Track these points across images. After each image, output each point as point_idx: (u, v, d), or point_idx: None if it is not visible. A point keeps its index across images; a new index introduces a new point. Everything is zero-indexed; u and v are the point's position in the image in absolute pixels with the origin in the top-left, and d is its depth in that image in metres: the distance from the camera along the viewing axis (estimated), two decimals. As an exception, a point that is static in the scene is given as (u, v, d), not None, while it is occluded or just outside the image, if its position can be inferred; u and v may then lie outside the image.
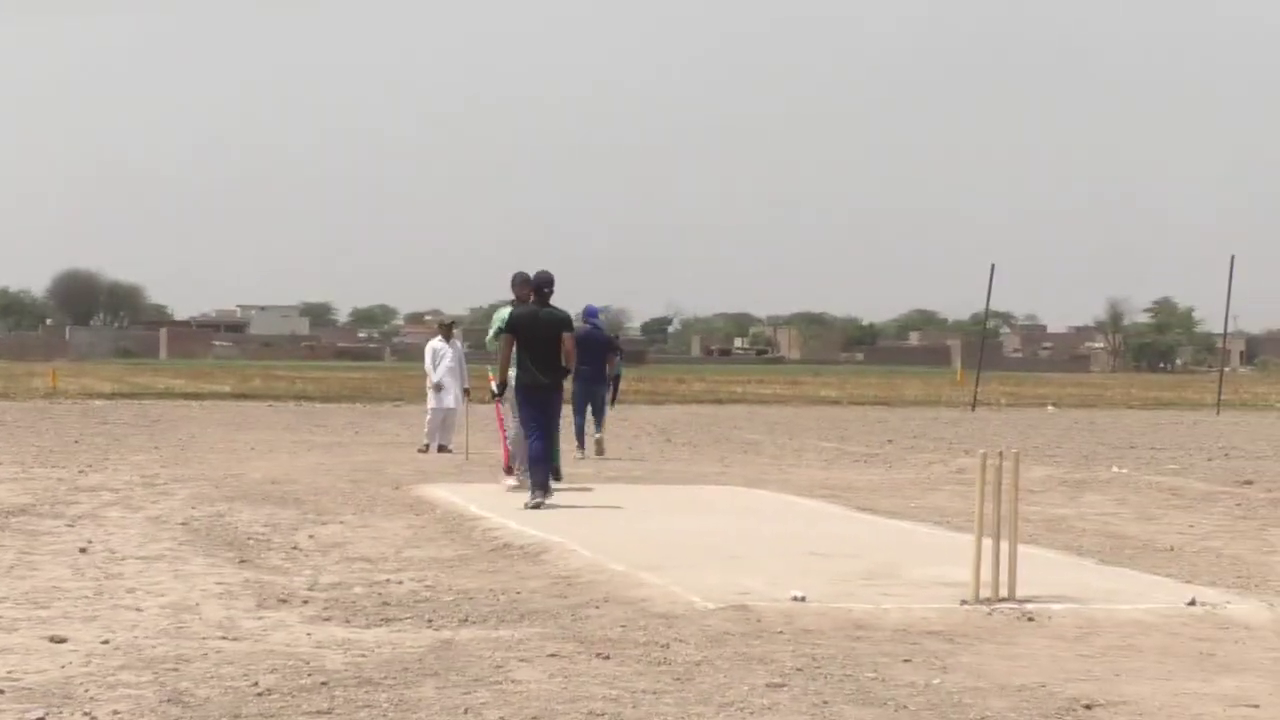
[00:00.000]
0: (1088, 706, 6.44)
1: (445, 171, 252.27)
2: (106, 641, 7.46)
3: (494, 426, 17.35)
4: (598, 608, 8.51)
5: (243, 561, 10.37)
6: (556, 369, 14.00)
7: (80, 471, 17.32)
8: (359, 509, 13.77)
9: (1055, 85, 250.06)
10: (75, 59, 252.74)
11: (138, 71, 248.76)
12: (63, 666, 6.91)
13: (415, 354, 25.32)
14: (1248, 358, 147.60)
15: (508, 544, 11.12)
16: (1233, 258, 41.21)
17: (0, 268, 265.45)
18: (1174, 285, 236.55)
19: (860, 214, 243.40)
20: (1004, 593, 8.65)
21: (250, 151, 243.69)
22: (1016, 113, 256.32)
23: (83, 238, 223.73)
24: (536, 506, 13.28)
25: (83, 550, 10.69)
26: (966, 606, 8.52)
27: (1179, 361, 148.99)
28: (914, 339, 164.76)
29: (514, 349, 14.12)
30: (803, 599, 8.53)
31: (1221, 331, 48.97)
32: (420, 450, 21.48)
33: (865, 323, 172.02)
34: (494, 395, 15.27)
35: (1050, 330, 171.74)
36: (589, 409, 20.64)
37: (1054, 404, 46.35)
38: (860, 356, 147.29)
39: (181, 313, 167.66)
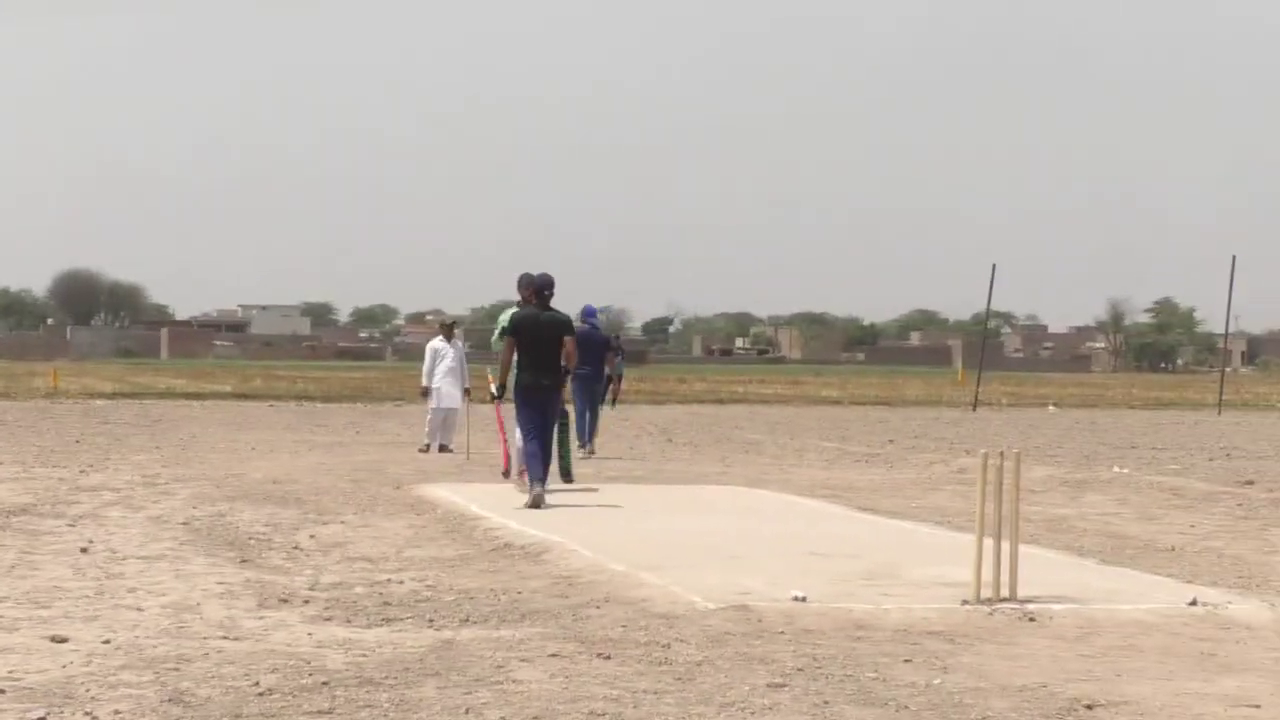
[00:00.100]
0: (1089, 707, 6.44)
1: (445, 171, 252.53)
2: (108, 641, 7.46)
3: (494, 427, 17.35)
4: (599, 608, 8.51)
5: (244, 561, 10.37)
6: (557, 371, 14.05)
7: (81, 471, 17.32)
8: (360, 509, 13.78)
9: (1055, 85, 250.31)
10: (75, 59, 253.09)
11: (138, 71, 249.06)
12: (64, 666, 6.91)
13: (416, 354, 25.34)
14: (1249, 358, 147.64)
15: (509, 544, 11.12)
16: (1234, 258, 41.30)
17: (1, 268, 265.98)
18: (1175, 285, 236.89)
19: (861, 214, 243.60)
20: (1005, 593, 8.65)
21: (250, 151, 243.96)
22: (1016, 113, 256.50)
23: (83, 238, 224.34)
24: (536, 498, 13.32)
25: (84, 550, 10.70)
26: (967, 606, 8.52)
27: (1180, 362, 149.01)
28: (915, 339, 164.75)
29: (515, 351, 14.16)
30: (803, 599, 8.53)
31: (1223, 332, 48.98)
32: (421, 450, 21.48)
33: (866, 323, 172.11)
34: (494, 396, 15.28)
35: (1051, 330, 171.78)
36: (587, 411, 20.72)
37: (1055, 404, 46.34)
38: (861, 356, 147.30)
39: (182, 312, 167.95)
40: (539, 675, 6.82)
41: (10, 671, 6.78)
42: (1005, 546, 8.68)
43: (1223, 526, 13.50)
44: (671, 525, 12.48)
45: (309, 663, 7.02)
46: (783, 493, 15.88)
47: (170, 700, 6.28)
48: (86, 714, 6.07)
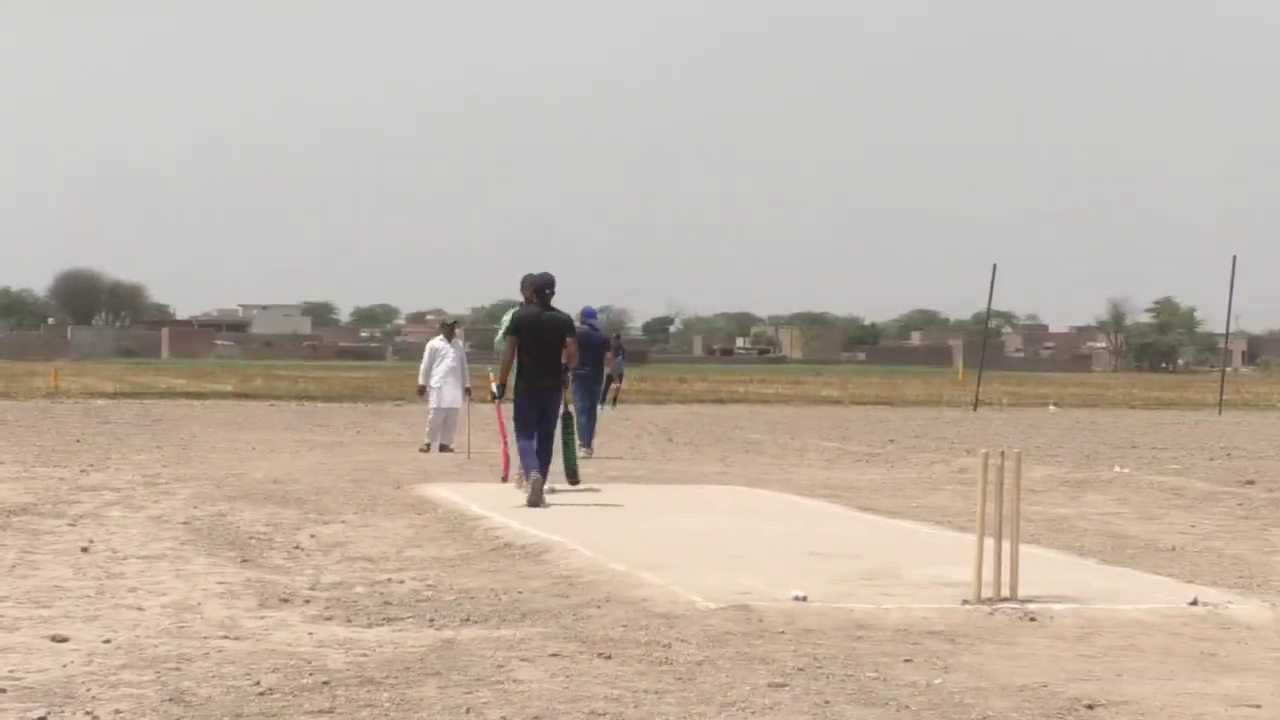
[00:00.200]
0: (1089, 706, 6.43)
1: (445, 171, 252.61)
2: (108, 641, 7.46)
3: (495, 427, 17.35)
4: (599, 607, 8.51)
5: (244, 561, 10.37)
6: (557, 371, 14.06)
7: (82, 471, 17.32)
8: (360, 508, 13.78)
9: (1055, 85, 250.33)
10: (75, 59, 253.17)
11: (138, 71, 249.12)
12: (64, 666, 6.91)
13: (417, 354, 25.32)
14: (1249, 358, 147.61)
15: (509, 543, 11.13)
16: (1235, 258, 41.31)
17: (1, 267, 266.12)
18: (1175, 285, 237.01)
19: (861, 214, 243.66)
20: (1005, 593, 8.65)
21: (250, 151, 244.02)
22: (1016, 113, 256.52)
23: (84, 237, 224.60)
24: (535, 484, 13.34)
25: (84, 550, 10.70)
26: (968, 606, 8.51)
27: (1181, 361, 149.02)
28: (915, 339, 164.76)
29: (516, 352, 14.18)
30: (804, 599, 8.53)
31: (1223, 331, 48.97)
32: (421, 450, 21.49)
33: (867, 322, 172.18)
34: (494, 396, 15.28)
35: (1052, 330, 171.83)
36: (586, 411, 20.74)
37: (1055, 404, 46.35)
38: (862, 356, 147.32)
39: (183, 312, 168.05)
40: (540, 675, 6.82)
41: (11, 671, 6.78)
42: (1006, 546, 8.67)
43: (1223, 526, 13.50)
44: (672, 525, 12.48)
45: (310, 662, 7.02)
46: (783, 492, 15.88)
47: (171, 700, 6.28)
48: (87, 713, 6.07)
